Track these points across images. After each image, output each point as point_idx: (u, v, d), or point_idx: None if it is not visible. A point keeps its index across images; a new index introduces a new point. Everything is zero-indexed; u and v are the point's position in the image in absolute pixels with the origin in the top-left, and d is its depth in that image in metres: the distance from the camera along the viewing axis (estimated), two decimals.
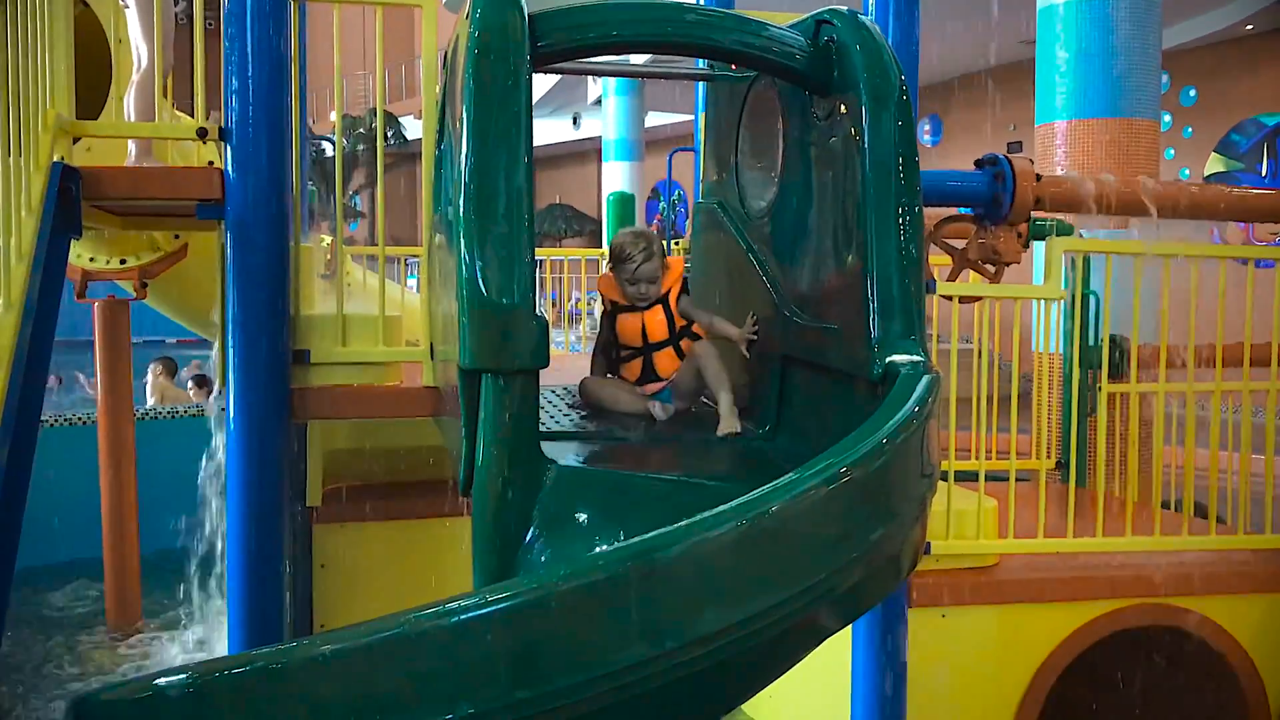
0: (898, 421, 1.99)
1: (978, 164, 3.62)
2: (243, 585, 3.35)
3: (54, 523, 6.74)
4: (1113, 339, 4.47)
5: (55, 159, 2.90)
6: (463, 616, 1.60)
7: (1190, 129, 14.15)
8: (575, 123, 24.80)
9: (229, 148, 3.07)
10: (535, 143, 2.27)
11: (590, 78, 19.41)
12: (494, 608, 1.60)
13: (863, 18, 2.50)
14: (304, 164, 3.45)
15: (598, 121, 20.21)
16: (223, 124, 3.07)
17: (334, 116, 3.93)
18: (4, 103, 2.69)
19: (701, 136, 3.55)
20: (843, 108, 2.49)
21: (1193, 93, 14.02)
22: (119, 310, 5.78)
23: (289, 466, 3.52)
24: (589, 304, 13.53)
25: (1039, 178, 3.51)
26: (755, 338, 2.84)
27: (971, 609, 3.66)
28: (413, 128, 27.10)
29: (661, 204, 24.74)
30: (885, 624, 3.47)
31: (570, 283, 12.95)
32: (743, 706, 4.65)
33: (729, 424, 2.72)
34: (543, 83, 19.50)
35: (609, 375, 3.04)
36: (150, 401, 8.92)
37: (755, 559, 1.76)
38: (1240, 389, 4.05)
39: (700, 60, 3.31)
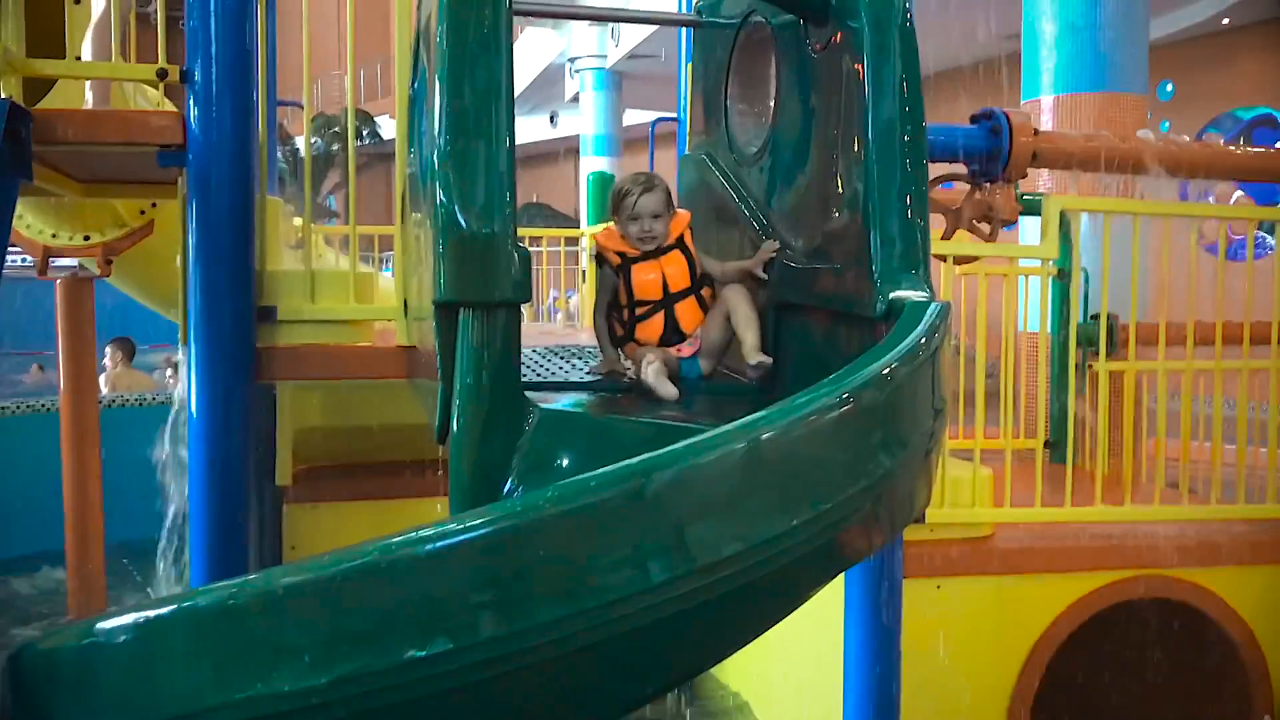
0: (907, 347, 1.86)
1: (973, 119, 3.50)
2: (206, 559, 3.18)
3: (17, 513, 6.55)
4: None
5: (3, 96, 2.73)
6: (438, 544, 1.46)
7: (1167, 123, 14.13)
8: (552, 121, 24.65)
9: (191, 91, 2.91)
10: None
11: (567, 73, 19.30)
12: (473, 534, 1.45)
13: None
14: (272, 115, 3.28)
15: (575, 119, 20.08)
16: (184, 66, 2.92)
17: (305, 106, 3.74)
18: None
19: (687, 90, 3.42)
20: (841, 36, 2.36)
21: (1170, 86, 14.00)
22: (82, 289, 5.57)
23: (256, 438, 3.36)
24: (566, 302, 13.37)
25: (1036, 132, 3.39)
26: (775, 255, 2.57)
27: (967, 580, 3.54)
28: (388, 127, 26.86)
29: None
30: (879, 594, 3.33)
31: (548, 276, 12.80)
32: (730, 681, 4.53)
33: (757, 355, 2.47)
34: (519, 80, 19.36)
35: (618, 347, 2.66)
36: (104, 390, 8.58)
37: (756, 484, 1.63)
38: (1240, 368, 3.94)
39: (688, 4, 3.17)
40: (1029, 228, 5.43)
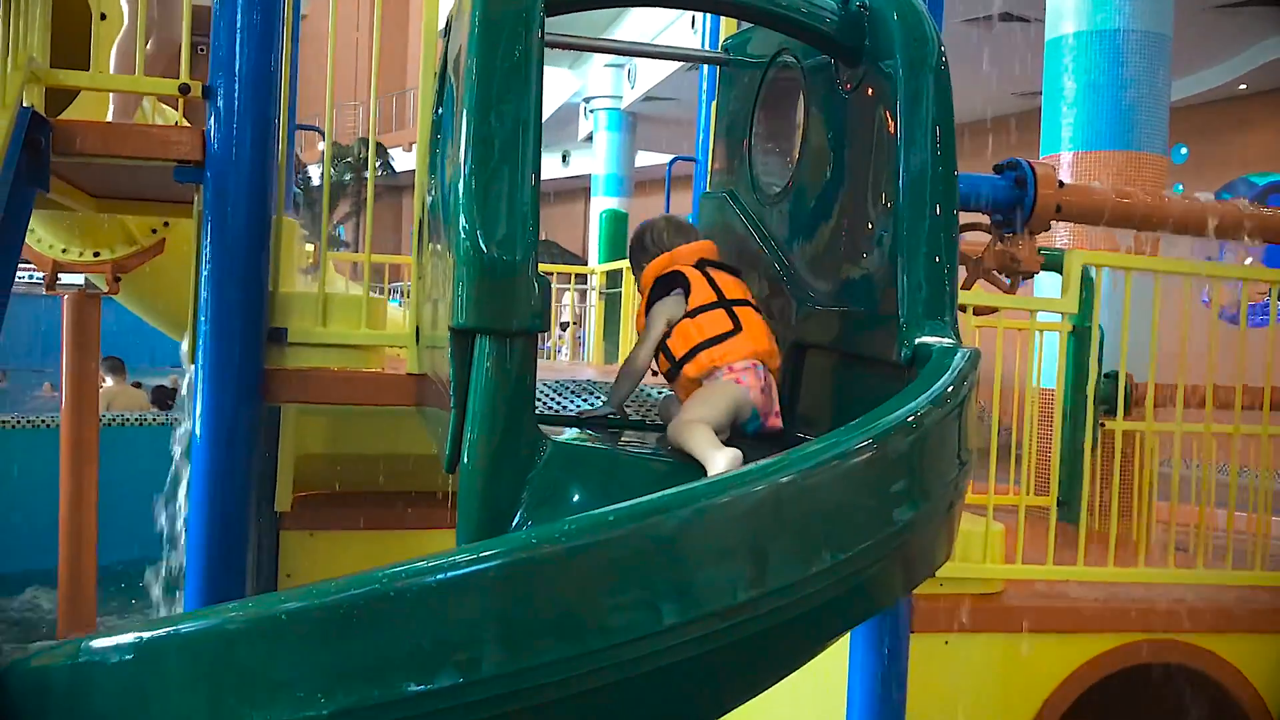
0: (933, 394, 1.81)
1: (997, 169, 3.47)
2: (203, 584, 3.12)
3: (13, 530, 6.49)
4: (1115, 375, 4.30)
5: (25, 105, 2.71)
6: (449, 574, 1.41)
7: (1181, 186, 14.13)
8: (564, 160, 24.74)
9: (212, 107, 2.89)
10: None
11: (582, 113, 19.39)
12: (486, 565, 1.40)
13: None
14: (291, 137, 3.26)
15: (587, 159, 20.17)
16: (206, 83, 2.90)
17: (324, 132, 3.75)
18: None
19: (710, 127, 3.40)
20: (873, 76, 2.34)
21: (1184, 150, 14.01)
22: (89, 305, 5.55)
23: (258, 460, 3.31)
24: (561, 341, 13.29)
25: (1061, 184, 3.36)
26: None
27: (976, 636, 3.45)
28: (401, 160, 27.03)
29: None
30: (885, 649, 3.27)
31: (555, 312, 12.76)
32: None
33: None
34: None
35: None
36: (101, 408, 8.54)
37: (774, 529, 1.58)
38: (1259, 433, 3.87)
39: (712, 43, 3.16)
40: (1043, 283, 5.40)
